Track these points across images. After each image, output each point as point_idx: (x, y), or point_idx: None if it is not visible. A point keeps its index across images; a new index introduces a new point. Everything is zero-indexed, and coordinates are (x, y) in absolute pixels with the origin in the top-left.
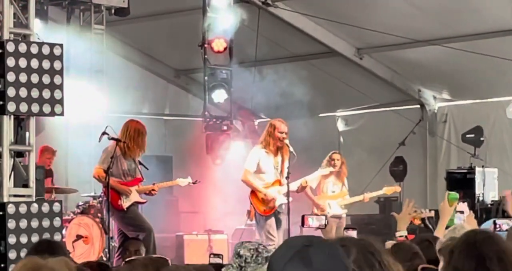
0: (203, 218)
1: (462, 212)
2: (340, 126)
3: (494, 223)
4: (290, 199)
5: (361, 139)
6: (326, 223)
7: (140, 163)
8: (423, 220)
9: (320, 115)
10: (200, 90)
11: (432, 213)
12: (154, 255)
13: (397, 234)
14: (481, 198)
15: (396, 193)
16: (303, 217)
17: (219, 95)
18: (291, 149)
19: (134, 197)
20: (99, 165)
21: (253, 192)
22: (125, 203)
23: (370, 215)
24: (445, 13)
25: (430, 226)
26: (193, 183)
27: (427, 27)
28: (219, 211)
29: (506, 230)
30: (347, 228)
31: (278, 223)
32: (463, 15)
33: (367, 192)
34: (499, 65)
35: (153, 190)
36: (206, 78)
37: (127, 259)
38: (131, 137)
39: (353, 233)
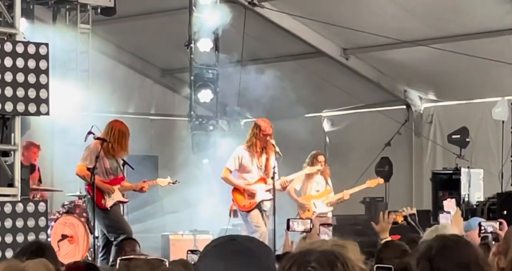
0: (188, 218)
1: (448, 212)
2: (326, 126)
3: (480, 225)
4: (269, 197)
5: (347, 140)
6: (311, 227)
7: (126, 163)
8: (405, 217)
9: (306, 115)
10: (186, 90)
11: (414, 210)
12: (150, 256)
13: (382, 242)
14: (466, 199)
15: (381, 192)
16: (288, 221)
17: (205, 95)
18: (277, 149)
19: (117, 196)
20: (82, 163)
21: (235, 189)
22: (108, 202)
23: (355, 215)
24: (431, 14)
25: (413, 223)
26: (173, 183)
27: (413, 27)
28: (204, 211)
29: (491, 232)
30: (323, 224)
31: (262, 217)
32: (449, 16)
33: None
34: (485, 66)
35: (143, 187)
36: (192, 78)
37: (123, 257)
38: (115, 138)
39: (329, 230)
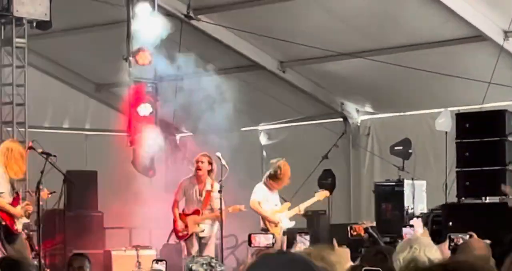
0: (128, 233)
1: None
2: (263, 140)
3: (449, 238)
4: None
5: (284, 153)
6: (274, 241)
7: (67, 179)
8: (366, 229)
9: (243, 129)
10: (122, 104)
11: (374, 223)
12: None
13: None
14: (410, 211)
15: (323, 205)
16: (249, 236)
17: (144, 109)
18: (223, 162)
19: (23, 218)
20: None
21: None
22: (18, 226)
23: (299, 229)
24: (368, 25)
25: (375, 235)
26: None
27: (349, 40)
28: (146, 226)
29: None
30: (300, 233)
31: (201, 247)
32: (385, 28)
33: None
34: (421, 78)
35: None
36: (130, 91)
37: None
38: (16, 159)
39: (306, 239)
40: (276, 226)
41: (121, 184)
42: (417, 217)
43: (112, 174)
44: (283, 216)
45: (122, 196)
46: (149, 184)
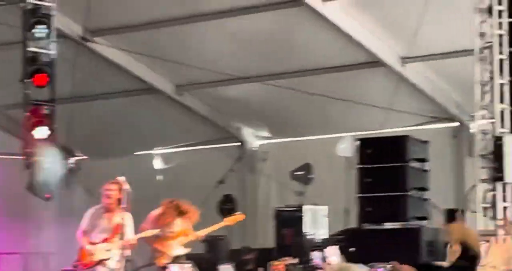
0: (23, 260)
1: None
2: (157, 164)
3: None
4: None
5: (179, 177)
6: None
7: None
8: (287, 266)
9: (136, 153)
10: (18, 127)
11: (296, 260)
12: None
13: None
14: (310, 236)
15: (223, 231)
16: (164, 267)
17: (41, 132)
18: (127, 186)
19: None
20: None
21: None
22: None
23: (198, 254)
24: (265, 50)
25: None
26: None
27: (246, 64)
28: (42, 251)
29: None
30: (222, 262)
31: None
32: (283, 52)
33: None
34: (320, 103)
35: None
36: (27, 114)
37: None
38: None
39: (229, 267)
40: (162, 255)
41: (15, 208)
42: (335, 244)
43: (6, 198)
44: (175, 244)
45: (16, 220)
46: (45, 208)
